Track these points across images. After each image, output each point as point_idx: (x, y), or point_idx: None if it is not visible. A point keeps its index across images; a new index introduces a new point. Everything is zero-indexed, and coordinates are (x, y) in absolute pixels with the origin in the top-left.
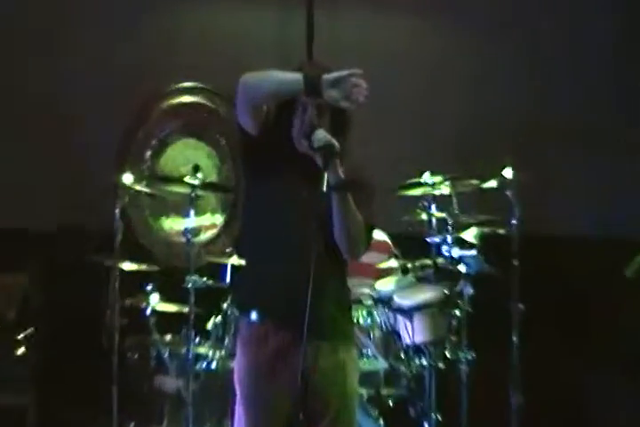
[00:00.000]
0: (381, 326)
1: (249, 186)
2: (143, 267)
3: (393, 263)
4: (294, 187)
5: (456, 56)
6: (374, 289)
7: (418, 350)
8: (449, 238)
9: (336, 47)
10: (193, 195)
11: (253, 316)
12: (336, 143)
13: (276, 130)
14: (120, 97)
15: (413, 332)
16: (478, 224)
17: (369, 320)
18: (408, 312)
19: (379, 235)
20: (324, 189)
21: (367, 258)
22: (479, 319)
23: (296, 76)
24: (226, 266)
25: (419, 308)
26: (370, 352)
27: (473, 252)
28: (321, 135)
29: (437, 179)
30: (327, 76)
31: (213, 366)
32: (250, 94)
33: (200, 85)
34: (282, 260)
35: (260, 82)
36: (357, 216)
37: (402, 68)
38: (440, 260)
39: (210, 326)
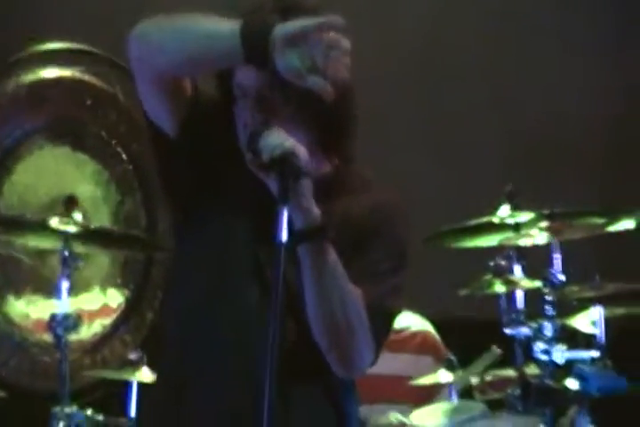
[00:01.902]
0: None
1: (177, 234)
2: None
3: (443, 376)
4: (250, 239)
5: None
6: (409, 426)
7: None
8: (548, 328)
9: None
10: (66, 253)
11: None
12: (303, 152)
13: (214, 128)
14: None
15: None
16: (604, 301)
17: None
18: None
19: (415, 323)
20: (282, 238)
21: (393, 367)
22: None
23: (232, 27)
24: (129, 386)
25: None
26: None
27: (594, 353)
28: (275, 140)
29: (526, 217)
30: (282, 28)
31: None
32: (152, 61)
33: (79, 47)
34: (213, 372)
35: (167, 37)
36: (348, 288)
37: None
38: (532, 369)
39: None
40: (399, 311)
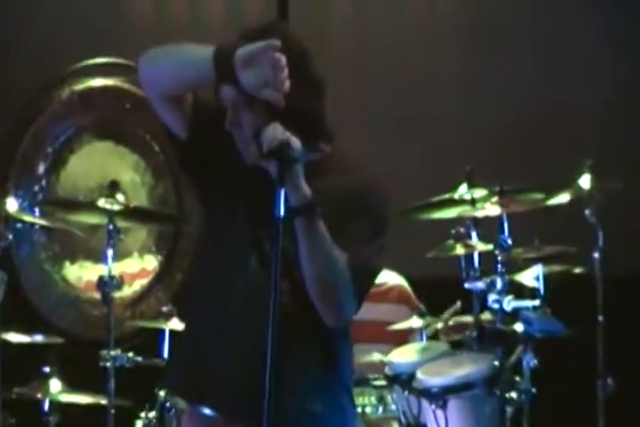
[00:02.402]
0: (399, 419)
1: (203, 213)
2: (38, 339)
3: (415, 322)
4: (251, 217)
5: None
6: (388, 362)
7: None
8: (499, 283)
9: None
10: (111, 227)
11: (207, 411)
12: (296, 142)
13: (216, 128)
14: None
15: (448, 425)
16: (543, 261)
17: (380, 410)
18: (439, 396)
19: (392, 279)
20: (280, 213)
21: (375, 314)
22: (547, 404)
23: (207, 53)
24: (162, 333)
25: (455, 389)
26: None
27: (536, 302)
28: (272, 133)
29: (480, 193)
30: (240, 52)
31: None
32: (153, 83)
33: (120, 62)
34: (235, 327)
35: (161, 61)
36: (335, 254)
37: (429, 41)
38: (486, 316)
39: (140, 424)
40: (380, 269)
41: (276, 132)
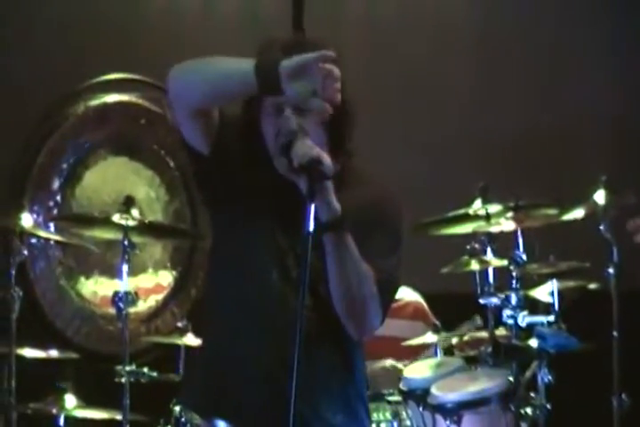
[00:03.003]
0: None
1: (213, 230)
2: (53, 354)
3: (430, 338)
4: (274, 231)
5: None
6: (403, 378)
7: None
8: (514, 299)
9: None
10: (126, 242)
11: (220, 425)
12: (327, 159)
13: (240, 144)
14: (13, 100)
15: None
16: (558, 276)
17: (395, 426)
18: (454, 412)
19: (408, 295)
20: (310, 229)
21: (391, 330)
22: (562, 420)
23: (246, 66)
24: (178, 349)
25: (470, 405)
26: None
27: (550, 318)
28: (303, 149)
29: (495, 208)
30: (287, 63)
31: None
32: (184, 96)
33: (135, 77)
34: (254, 341)
35: (194, 77)
36: (363, 268)
37: (443, 45)
38: (501, 331)
39: None
40: (400, 283)
41: (306, 147)
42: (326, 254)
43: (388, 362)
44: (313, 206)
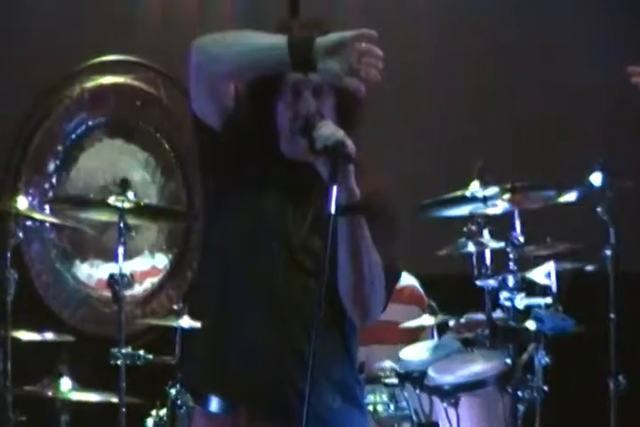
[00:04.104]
0: (411, 417)
1: (210, 210)
2: (49, 337)
3: (427, 320)
4: (279, 211)
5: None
6: (399, 360)
7: None
8: (511, 281)
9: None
10: (122, 225)
11: (213, 405)
12: (350, 142)
13: (251, 122)
14: (8, 83)
15: (459, 423)
16: (555, 258)
17: (392, 408)
18: (451, 394)
19: (404, 279)
20: (331, 211)
21: (386, 315)
22: (559, 402)
23: (278, 41)
24: (174, 331)
25: (467, 387)
26: None
27: (547, 300)
28: (328, 131)
29: (492, 190)
30: (323, 40)
31: None
32: (210, 68)
33: (130, 59)
34: (258, 321)
35: (224, 49)
36: (374, 254)
37: (440, 39)
38: (498, 313)
39: (151, 422)
40: (402, 270)
41: (331, 129)
42: (341, 238)
43: (387, 362)
44: (334, 189)
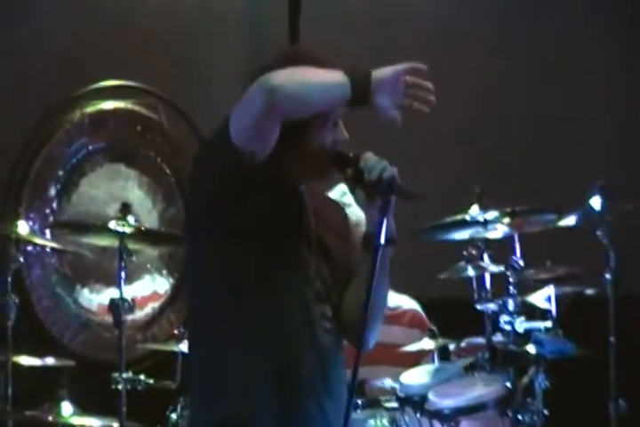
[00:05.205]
0: None
1: (228, 242)
2: (50, 362)
3: (427, 344)
4: (304, 254)
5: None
6: (400, 384)
7: None
8: (511, 304)
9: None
10: (122, 249)
11: None
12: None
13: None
14: (9, 107)
15: None
16: (555, 281)
17: None
18: (451, 418)
19: (407, 303)
20: (380, 242)
21: (388, 337)
22: (560, 426)
23: (341, 77)
24: (175, 356)
25: (467, 411)
26: None
27: (547, 324)
28: (382, 163)
29: (492, 214)
30: (377, 75)
31: None
32: (285, 106)
33: (131, 84)
34: (293, 355)
35: (299, 87)
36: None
37: (443, 47)
38: (498, 337)
39: None
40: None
41: (382, 161)
42: (373, 271)
43: (388, 381)
44: (385, 222)
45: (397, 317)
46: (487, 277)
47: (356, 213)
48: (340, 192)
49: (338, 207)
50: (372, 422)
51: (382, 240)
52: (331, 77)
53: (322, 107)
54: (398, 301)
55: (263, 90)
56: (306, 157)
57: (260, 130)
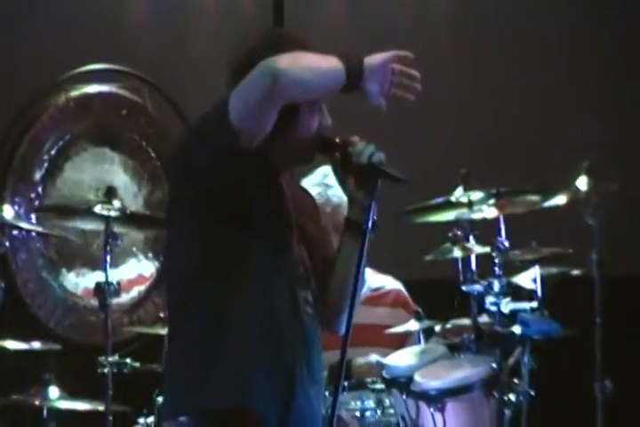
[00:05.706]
0: (398, 423)
1: (217, 224)
2: (36, 346)
3: (412, 326)
4: (287, 239)
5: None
6: (385, 366)
7: None
8: (496, 285)
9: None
10: (108, 232)
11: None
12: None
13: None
14: None
15: None
16: (540, 262)
17: (378, 413)
18: (437, 399)
19: (390, 283)
20: (367, 229)
21: (372, 318)
22: (546, 406)
23: (337, 65)
24: (161, 340)
25: (453, 392)
26: None
27: (533, 304)
28: (370, 148)
29: (477, 195)
30: (369, 62)
31: None
32: (289, 90)
33: (115, 68)
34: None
35: (303, 73)
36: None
37: (424, 41)
38: (484, 318)
39: None
40: None
41: (371, 146)
42: (353, 253)
43: (373, 356)
44: (372, 208)
45: (381, 297)
46: (473, 258)
47: (338, 194)
48: (321, 175)
49: (307, 193)
50: (358, 403)
51: (370, 225)
52: (329, 63)
53: (321, 92)
54: (381, 281)
55: (267, 74)
56: (293, 141)
57: (261, 113)
